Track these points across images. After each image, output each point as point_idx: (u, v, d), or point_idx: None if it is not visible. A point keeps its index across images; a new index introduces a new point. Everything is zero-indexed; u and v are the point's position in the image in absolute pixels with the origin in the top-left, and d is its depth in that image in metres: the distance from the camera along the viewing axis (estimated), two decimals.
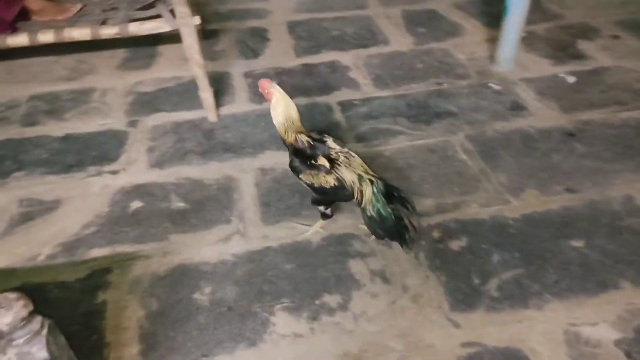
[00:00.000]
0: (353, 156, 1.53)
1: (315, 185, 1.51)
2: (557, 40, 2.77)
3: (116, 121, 2.25)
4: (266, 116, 1.54)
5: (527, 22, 2.42)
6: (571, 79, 2.45)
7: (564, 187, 1.83)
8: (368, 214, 1.48)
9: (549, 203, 1.76)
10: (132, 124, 2.23)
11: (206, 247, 1.64)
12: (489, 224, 1.69)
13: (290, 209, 1.77)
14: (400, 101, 2.33)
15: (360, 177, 1.47)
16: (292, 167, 1.55)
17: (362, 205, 1.48)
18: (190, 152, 2.06)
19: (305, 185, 1.55)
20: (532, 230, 1.66)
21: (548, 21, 2.95)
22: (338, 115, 2.25)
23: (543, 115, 2.21)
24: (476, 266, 1.55)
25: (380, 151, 2.02)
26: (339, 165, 1.48)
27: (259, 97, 2.24)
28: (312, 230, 1.67)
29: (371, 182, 1.46)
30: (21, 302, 0.84)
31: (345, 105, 2.31)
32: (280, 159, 1.97)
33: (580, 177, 1.87)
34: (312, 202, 1.63)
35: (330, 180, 1.48)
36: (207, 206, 1.80)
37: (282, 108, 1.52)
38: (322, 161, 1.49)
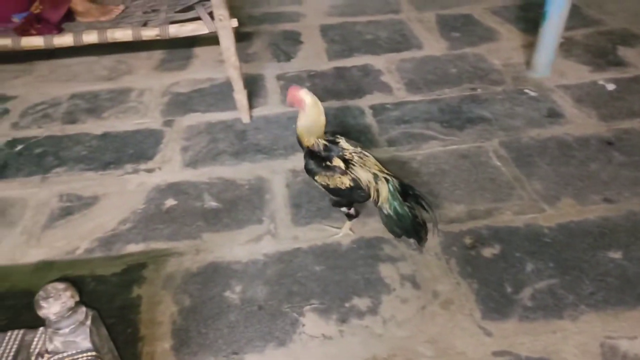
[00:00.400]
0: (367, 155, 1.52)
1: (331, 186, 1.51)
2: (596, 46, 2.70)
3: (152, 120, 2.31)
4: (297, 119, 1.55)
5: (566, 28, 2.37)
6: (611, 87, 2.38)
7: (601, 197, 1.78)
8: (385, 212, 1.48)
9: (585, 213, 1.72)
10: (168, 123, 2.29)
11: (238, 247, 1.67)
12: (523, 232, 1.66)
13: (320, 211, 1.78)
14: (432, 106, 2.31)
15: (375, 176, 1.47)
16: (307, 170, 1.55)
17: (379, 204, 1.48)
18: (223, 152, 2.10)
19: (320, 188, 1.55)
20: (568, 239, 1.62)
21: (587, 27, 2.89)
22: (370, 119, 2.25)
23: (581, 123, 2.16)
24: (509, 274, 1.52)
25: (412, 156, 2.01)
26: (353, 165, 1.48)
27: None
28: (343, 232, 1.68)
29: (386, 180, 1.47)
30: (68, 293, 0.87)
31: (377, 109, 2.31)
32: None
33: (618, 187, 1.82)
34: (332, 205, 1.64)
35: (345, 181, 1.48)
36: (239, 206, 1.82)
37: (315, 115, 1.48)
38: (337, 162, 1.48)
